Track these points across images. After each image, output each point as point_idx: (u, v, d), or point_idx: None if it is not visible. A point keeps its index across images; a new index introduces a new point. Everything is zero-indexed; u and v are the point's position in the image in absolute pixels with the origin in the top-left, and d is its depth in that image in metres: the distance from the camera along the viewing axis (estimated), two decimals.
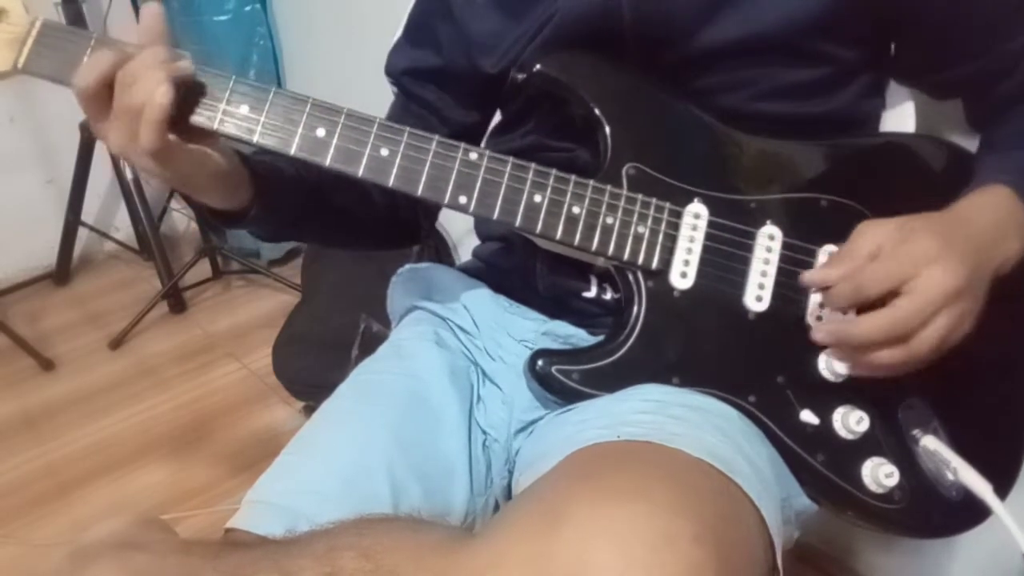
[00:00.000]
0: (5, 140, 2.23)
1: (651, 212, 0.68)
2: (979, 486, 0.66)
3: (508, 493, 0.77)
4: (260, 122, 0.65)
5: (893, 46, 0.75)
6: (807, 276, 0.67)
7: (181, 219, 2.56)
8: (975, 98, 0.76)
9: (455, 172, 0.66)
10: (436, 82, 0.84)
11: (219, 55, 2.00)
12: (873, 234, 0.63)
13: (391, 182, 0.66)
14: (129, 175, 2.07)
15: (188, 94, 0.63)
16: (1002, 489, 0.70)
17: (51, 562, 0.58)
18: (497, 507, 0.77)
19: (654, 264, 0.69)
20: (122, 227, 2.46)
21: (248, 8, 2.01)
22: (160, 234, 2.19)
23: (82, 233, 2.31)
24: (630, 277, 0.69)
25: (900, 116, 0.81)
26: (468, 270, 0.88)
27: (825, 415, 0.68)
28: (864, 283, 0.62)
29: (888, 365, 0.63)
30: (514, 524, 0.50)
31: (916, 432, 0.69)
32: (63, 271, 2.33)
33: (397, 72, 0.87)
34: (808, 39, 0.67)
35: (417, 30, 0.85)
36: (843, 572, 1.26)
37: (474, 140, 0.85)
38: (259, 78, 2.01)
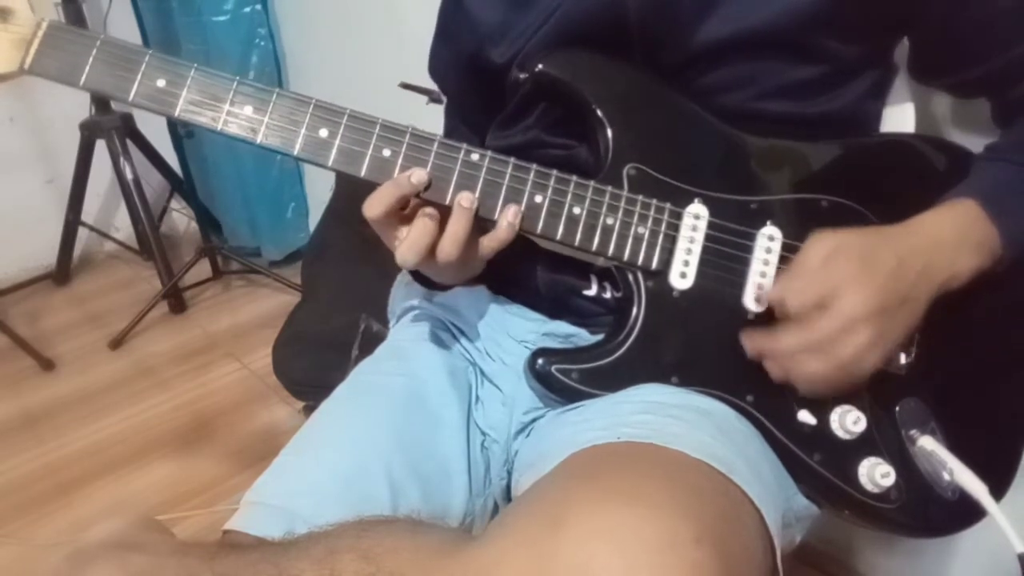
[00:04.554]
0: (5, 140, 2.23)
1: (651, 213, 0.68)
2: (975, 487, 0.66)
3: (507, 494, 0.77)
4: (264, 123, 0.65)
5: (908, 48, 0.75)
6: (763, 293, 0.68)
7: (181, 219, 2.57)
8: (993, 100, 0.75)
9: (456, 173, 0.66)
10: (461, 76, 0.84)
11: (219, 56, 2.00)
12: (816, 249, 0.64)
13: None
14: (129, 175, 2.06)
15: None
16: (998, 490, 0.70)
17: (51, 562, 0.58)
18: (496, 508, 0.77)
19: (654, 264, 0.69)
20: (122, 227, 2.46)
21: (248, 9, 2.01)
22: (160, 234, 2.19)
23: (82, 233, 2.31)
24: (630, 277, 0.69)
25: (900, 116, 0.81)
26: None
27: (822, 415, 0.68)
28: (787, 299, 0.63)
29: (813, 374, 0.63)
30: (515, 526, 0.50)
31: (913, 432, 0.69)
32: (63, 271, 2.33)
33: (434, 71, 0.87)
34: (809, 34, 0.67)
35: (442, 26, 0.85)
36: (843, 572, 1.26)
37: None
38: (259, 79, 2.00)
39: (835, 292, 0.61)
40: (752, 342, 0.66)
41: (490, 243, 0.67)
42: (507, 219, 0.66)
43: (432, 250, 0.65)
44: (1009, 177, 0.69)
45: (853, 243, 0.64)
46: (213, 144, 2.22)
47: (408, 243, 0.64)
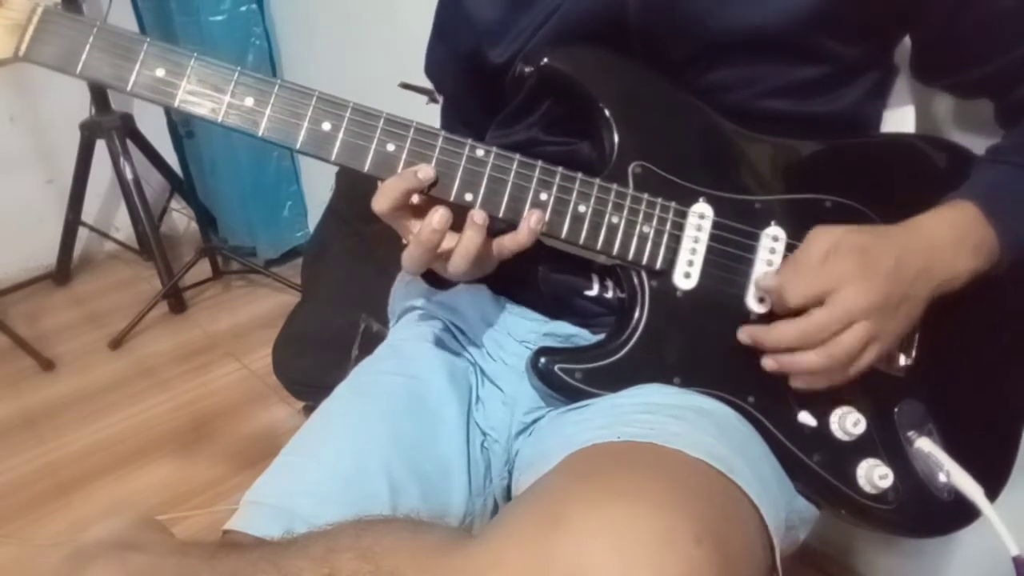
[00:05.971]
0: (5, 140, 2.23)
1: (656, 212, 0.68)
2: (971, 489, 0.67)
3: (508, 494, 0.77)
4: (265, 115, 0.64)
5: (910, 48, 0.75)
6: (761, 281, 0.68)
7: (181, 219, 2.56)
8: (995, 100, 0.76)
9: (461, 169, 0.66)
10: (458, 75, 0.83)
11: (215, 55, 2.00)
12: (817, 244, 0.65)
13: None
14: (129, 175, 2.06)
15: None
16: (993, 491, 0.70)
17: (51, 562, 0.58)
18: (496, 507, 0.76)
19: (658, 264, 0.68)
20: (122, 227, 2.46)
21: (244, 8, 2.01)
22: (160, 234, 2.19)
23: (82, 233, 2.30)
24: (634, 277, 0.69)
25: (900, 117, 0.80)
26: None
27: (822, 417, 0.68)
28: (786, 292, 0.64)
29: (810, 369, 0.64)
30: (514, 525, 0.50)
31: (911, 434, 0.69)
32: (63, 271, 2.32)
33: (430, 70, 0.87)
34: (809, 35, 0.67)
35: (439, 25, 0.85)
36: (843, 572, 1.25)
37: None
38: None
39: (834, 287, 0.62)
40: (748, 332, 0.67)
41: (510, 245, 0.66)
42: (529, 225, 0.65)
43: (438, 256, 0.65)
44: (1009, 180, 0.70)
45: (854, 240, 0.64)
46: (210, 142, 2.21)
47: (409, 255, 0.65)
